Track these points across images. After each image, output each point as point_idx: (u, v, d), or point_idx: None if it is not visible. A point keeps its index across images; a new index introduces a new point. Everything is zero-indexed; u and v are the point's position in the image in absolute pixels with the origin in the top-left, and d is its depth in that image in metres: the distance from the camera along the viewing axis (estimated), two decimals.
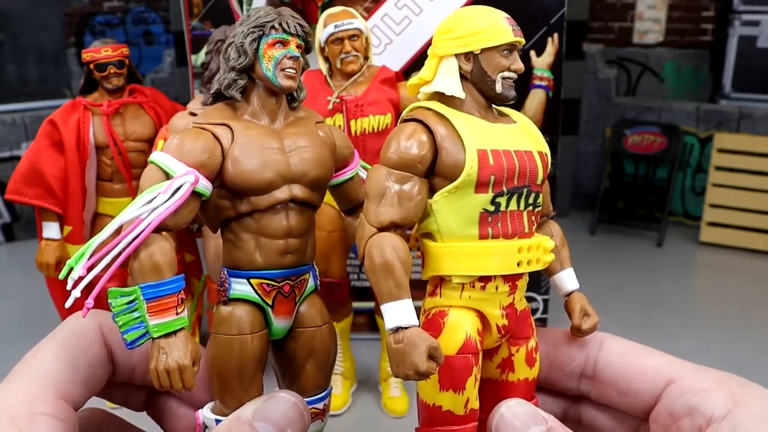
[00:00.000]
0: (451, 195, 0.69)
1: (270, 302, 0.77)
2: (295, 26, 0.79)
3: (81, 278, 0.64)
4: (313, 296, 0.82)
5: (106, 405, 0.76)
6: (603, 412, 0.77)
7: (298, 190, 0.77)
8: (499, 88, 0.72)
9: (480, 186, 0.68)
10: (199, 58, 2.33)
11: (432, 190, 0.70)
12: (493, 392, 0.75)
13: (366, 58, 1.87)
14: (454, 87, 0.72)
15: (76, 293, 0.64)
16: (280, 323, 0.79)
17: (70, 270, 0.64)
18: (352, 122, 1.82)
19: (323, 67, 1.88)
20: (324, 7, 2.15)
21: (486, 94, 0.73)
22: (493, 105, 0.76)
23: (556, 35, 2.26)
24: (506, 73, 0.72)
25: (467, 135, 0.69)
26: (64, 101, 2.18)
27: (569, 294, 0.80)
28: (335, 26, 1.81)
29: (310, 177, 0.78)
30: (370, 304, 2.47)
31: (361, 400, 2.20)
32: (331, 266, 1.97)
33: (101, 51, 2.03)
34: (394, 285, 0.65)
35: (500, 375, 0.75)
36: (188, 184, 0.69)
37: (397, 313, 0.64)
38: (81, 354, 0.65)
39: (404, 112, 0.74)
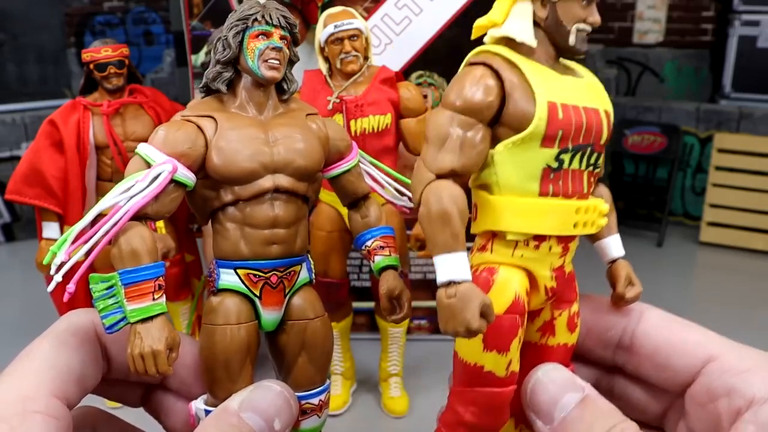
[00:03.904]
0: (515, 147, 0.65)
1: (257, 293, 0.77)
2: (278, 18, 0.79)
3: (63, 263, 0.65)
4: (306, 289, 0.82)
5: (104, 404, 0.76)
6: (637, 385, 0.75)
7: (282, 180, 0.77)
8: (572, 40, 0.68)
9: (546, 140, 0.65)
10: (199, 58, 2.33)
11: (495, 140, 0.67)
12: (530, 355, 0.72)
13: (366, 58, 1.87)
14: (526, 33, 0.67)
15: (58, 278, 0.65)
16: (268, 315, 0.79)
17: (54, 256, 0.66)
18: (352, 122, 1.82)
19: (323, 67, 1.88)
20: (324, 7, 2.15)
21: (558, 45, 0.69)
22: (561, 58, 0.72)
23: None
24: (582, 25, 0.68)
25: (538, 85, 0.65)
26: (64, 101, 2.18)
27: (614, 261, 0.78)
28: (335, 26, 1.81)
29: (294, 167, 0.78)
30: (370, 304, 2.48)
31: (361, 400, 2.20)
32: (331, 266, 1.97)
33: (101, 51, 2.03)
34: (450, 235, 0.61)
35: (540, 338, 0.73)
36: (166, 172, 0.70)
37: (452, 265, 0.61)
38: (74, 352, 0.65)
39: (469, 56, 0.70)
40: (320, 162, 0.81)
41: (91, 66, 2.04)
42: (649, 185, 4.01)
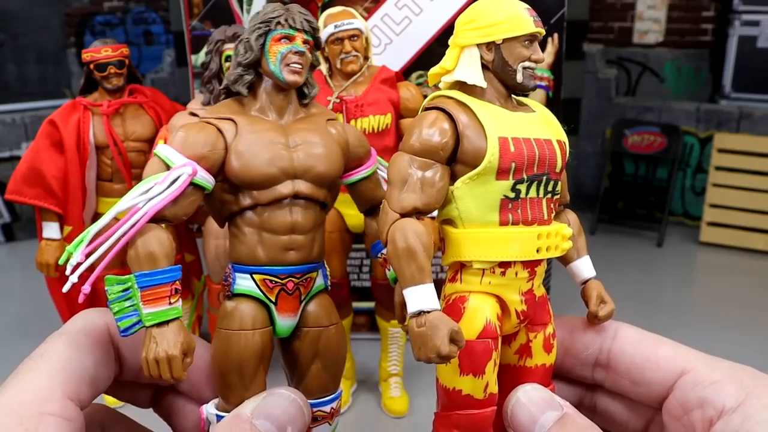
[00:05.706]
0: (472, 182, 0.70)
1: (273, 299, 0.77)
2: (301, 22, 0.79)
3: (79, 264, 0.65)
4: (321, 296, 0.82)
5: (105, 402, 0.76)
6: (617, 401, 0.77)
7: (302, 186, 0.77)
8: (520, 77, 0.73)
9: (501, 173, 0.69)
10: (199, 58, 2.33)
11: (453, 177, 0.71)
12: (510, 378, 0.75)
13: (366, 58, 1.87)
14: (475, 76, 0.73)
15: (74, 278, 0.64)
16: (284, 321, 0.78)
17: (69, 256, 0.65)
18: (352, 122, 1.82)
19: (323, 67, 1.88)
20: (324, 7, 2.15)
21: (507, 83, 0.74)
22: (512, 95, 0.77)
23: (556, 35, 2.26)
24: (527, 63, 0.73)
25: (488, 123, 0.70)
26: (64, 101, 2.18)
27: (586, 282, 0.81)
28: (335, 26, 1.81)
29: (314, 173, 0.77)
30: (370, 304, 2.47)
31: (361, 400, 2.20)
32: (332, 266, 1.97)
33: (101, 51, 2.03)
34: (416, 269, 0.66)
35: (518, 361, 0.76)
36: (186, 175, 0.70)
37: (420, 297, 0.65)
38: (88, 353, 0.64)
39: (425, 101, 0.75)
40: (340, 168, 0.80)
41: (91, 66, 2.04)
42: (649, 185, 4.01)
